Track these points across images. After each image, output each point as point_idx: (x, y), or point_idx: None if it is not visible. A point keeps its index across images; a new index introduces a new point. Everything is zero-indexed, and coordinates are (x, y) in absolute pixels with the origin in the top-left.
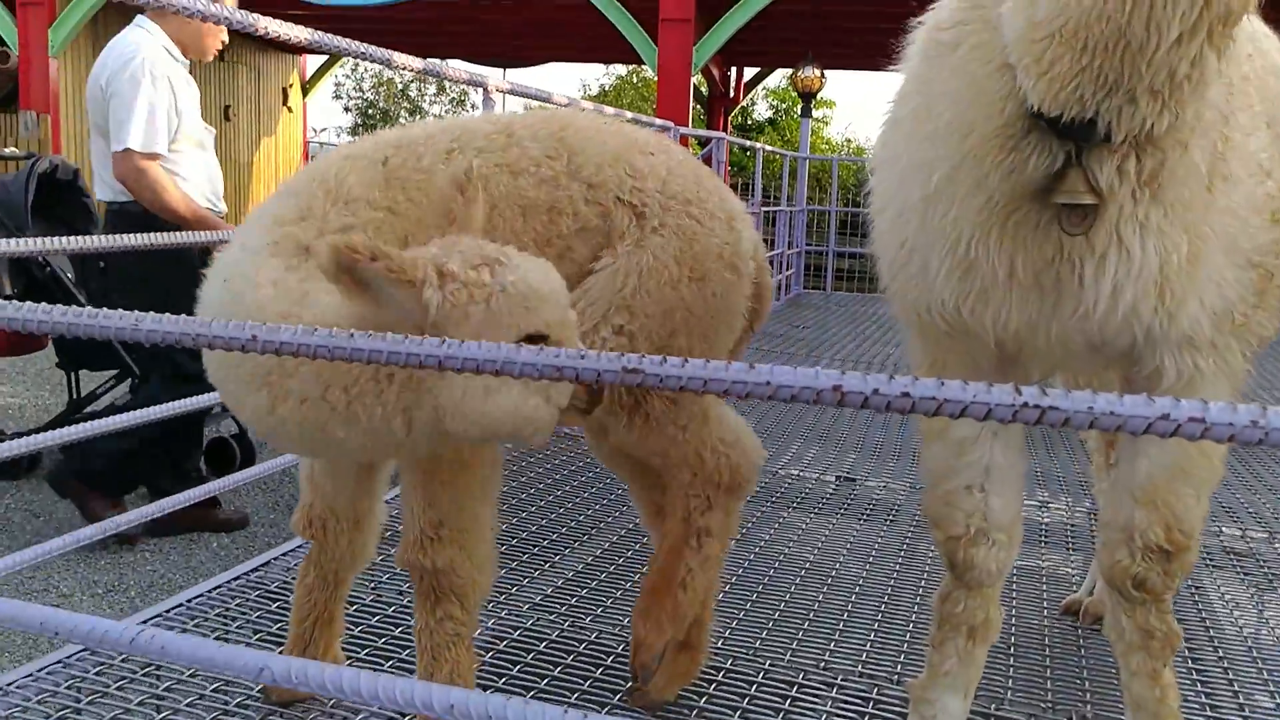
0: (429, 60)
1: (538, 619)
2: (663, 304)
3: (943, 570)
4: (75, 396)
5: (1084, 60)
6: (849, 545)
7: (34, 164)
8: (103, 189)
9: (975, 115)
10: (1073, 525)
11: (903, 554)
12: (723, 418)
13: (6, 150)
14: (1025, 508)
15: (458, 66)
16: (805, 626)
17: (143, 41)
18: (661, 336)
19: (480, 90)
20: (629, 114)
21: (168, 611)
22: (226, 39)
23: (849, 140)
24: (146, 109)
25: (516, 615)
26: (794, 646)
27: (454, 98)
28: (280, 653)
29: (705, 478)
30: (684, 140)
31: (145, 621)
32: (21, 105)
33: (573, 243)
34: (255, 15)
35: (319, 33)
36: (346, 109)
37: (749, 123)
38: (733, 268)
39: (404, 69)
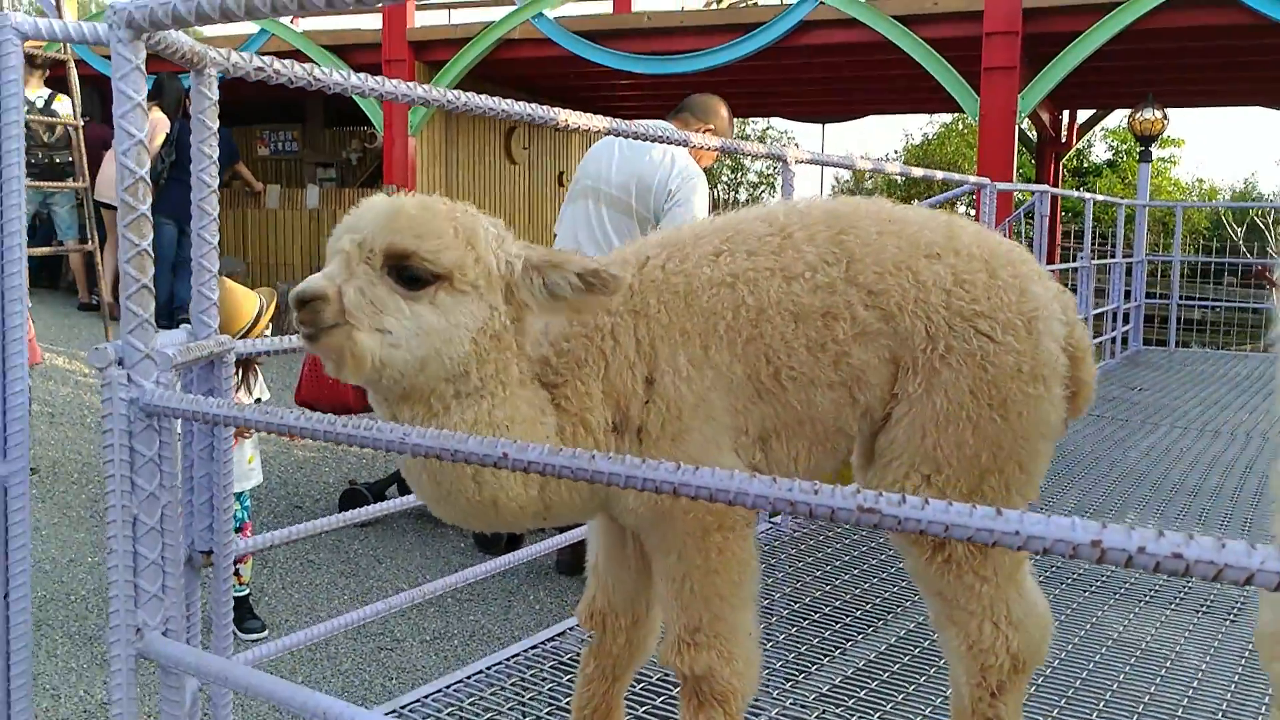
0: (764, 139)
1: (823, 711)
2: (965, 448)
3: None
4: None
5: None
6: (1182, 642)
7: None
8: None
9: None
10: None
11: (1246, 655)
12: (1023, 583)
13: None
14: None
15: (780, 126)
16: None
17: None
18: (972, 481)
19: (780, 162)
20: (940, 174)
21: (469, 677)
22: None
23: (1200, 181)
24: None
25: (802, 706)
26: None
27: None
28: None
29: (979, 656)
30: (1005, 197)
31: (451, 685)
32: (384, 180)
33: (850, 348)
34: (556, 110)
35: (620, 121)
36: None
37: (1085, 166)
38: (1036, 379)
39: (703, 147)
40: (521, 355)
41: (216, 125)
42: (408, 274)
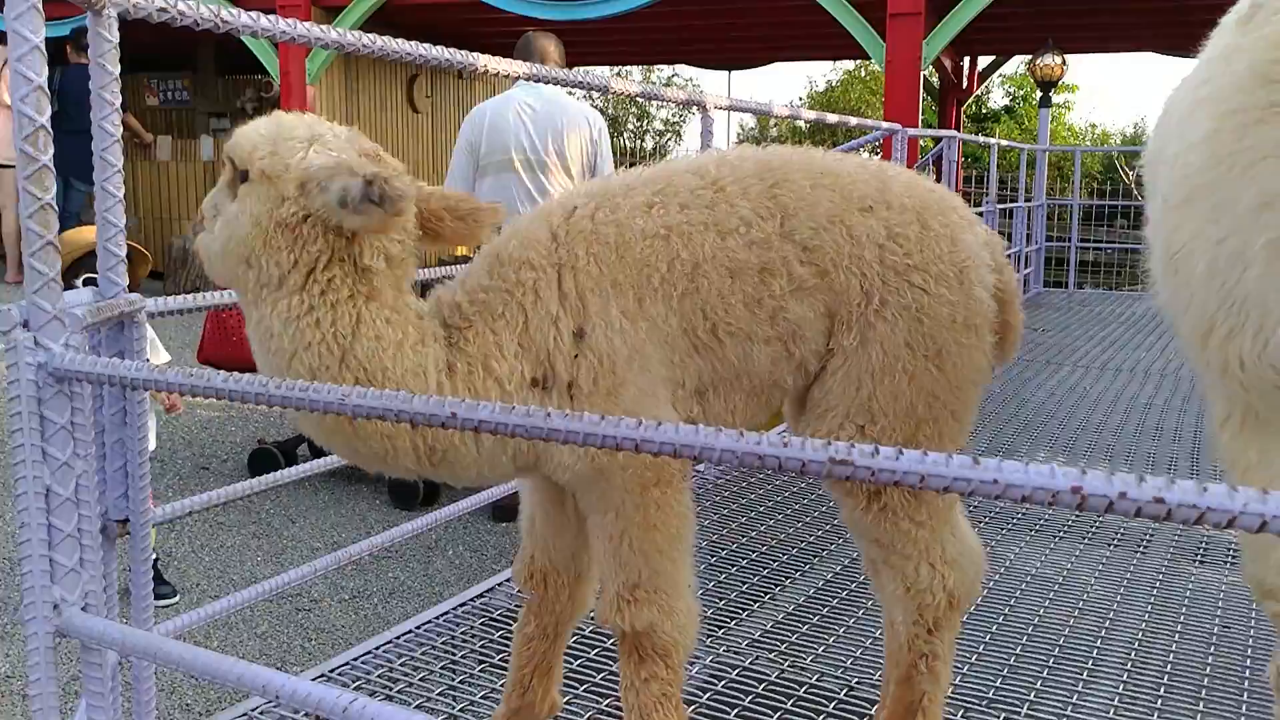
0: (647, 84)
1: (756, 657)
2: (901, 399)
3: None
4: None
5: None
6: (1096, 574)
7: None
8: None
9: None
10: None
11: (1158, 586)
12: (957, 522)
13: None
14: None
15: (685, 74)
16: (1044, 674)
17: None
18: (907, 431)
19: (699, 109)
20: (854, 120)
21: (398, 638)
22: None
23: (1093, 126)
24: None
25: (734, 653)
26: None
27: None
28: (503, 693)
29: (915, 596)
30: (913, 143)
31: (380, 647)
32: None
33: (787, 303)
34: (475, 55)
35: (537, 66)
36: None
37: (984, 112)
38: (969, 328)
39: (622, 94)
40: (361, 270)
41: (118, 70)
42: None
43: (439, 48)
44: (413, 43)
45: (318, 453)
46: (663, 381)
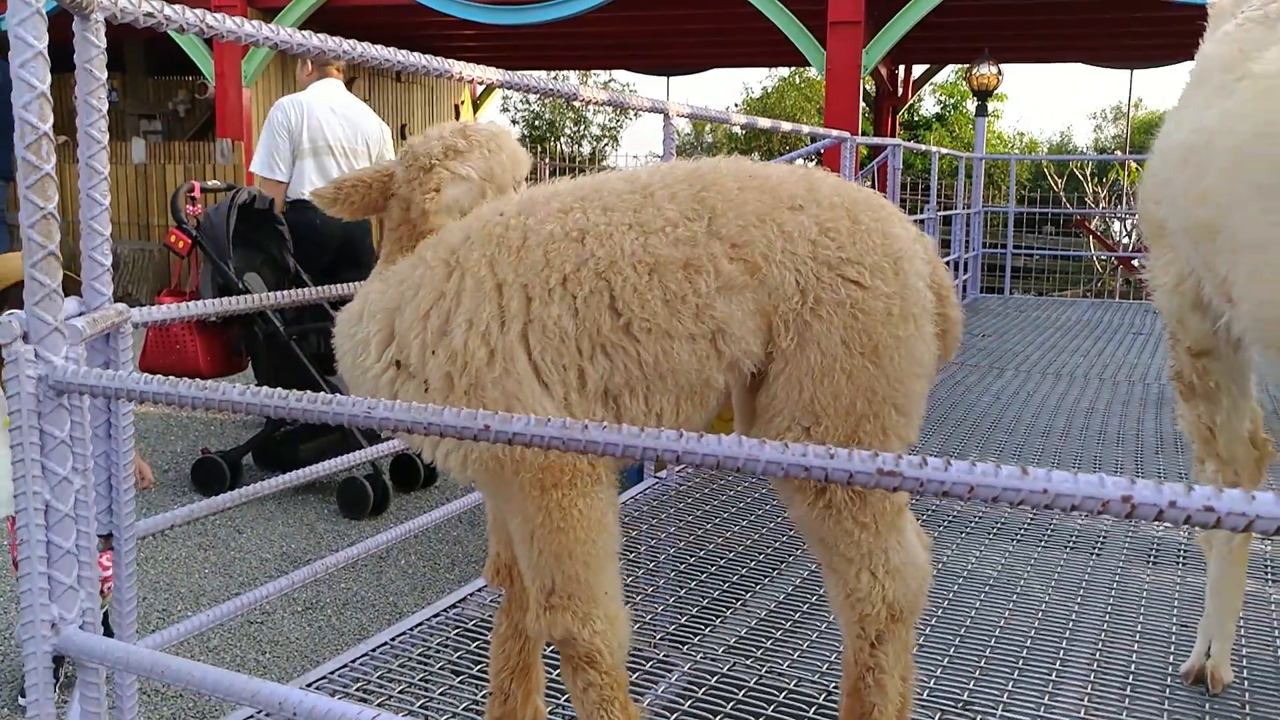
0: (608, 90)
1: (733, 664)
2: (842, 398)
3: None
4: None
5: None
6: (1056, 577)
7: (234, 195)
8: None
9: None
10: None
11: (1115, 588)
12: (904, 531)
13: (210, 183)
14: None
15: (622, 79)
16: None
17: None
18: (848, 428)
19: (662, 115)
20: (805, 128)
21: (374, 650)
22: None
23: (1021, 134)
24: None
25: (711, 660)
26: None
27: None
28: (483, 705)
29: (856, 605)
30: (857, 150)
31: (355, 660)
32: (218, 134)
33: (714, 301)
34: (450, 61)
35: (510, 73)
36: (514, 121)
37: (916, 120)
38: (906, 319)
39: (590, 102)
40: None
41: (105, 75)
42: None
43: (381, 47)
44: (353, 42)
45: (264, 462)
46: (542, 385)
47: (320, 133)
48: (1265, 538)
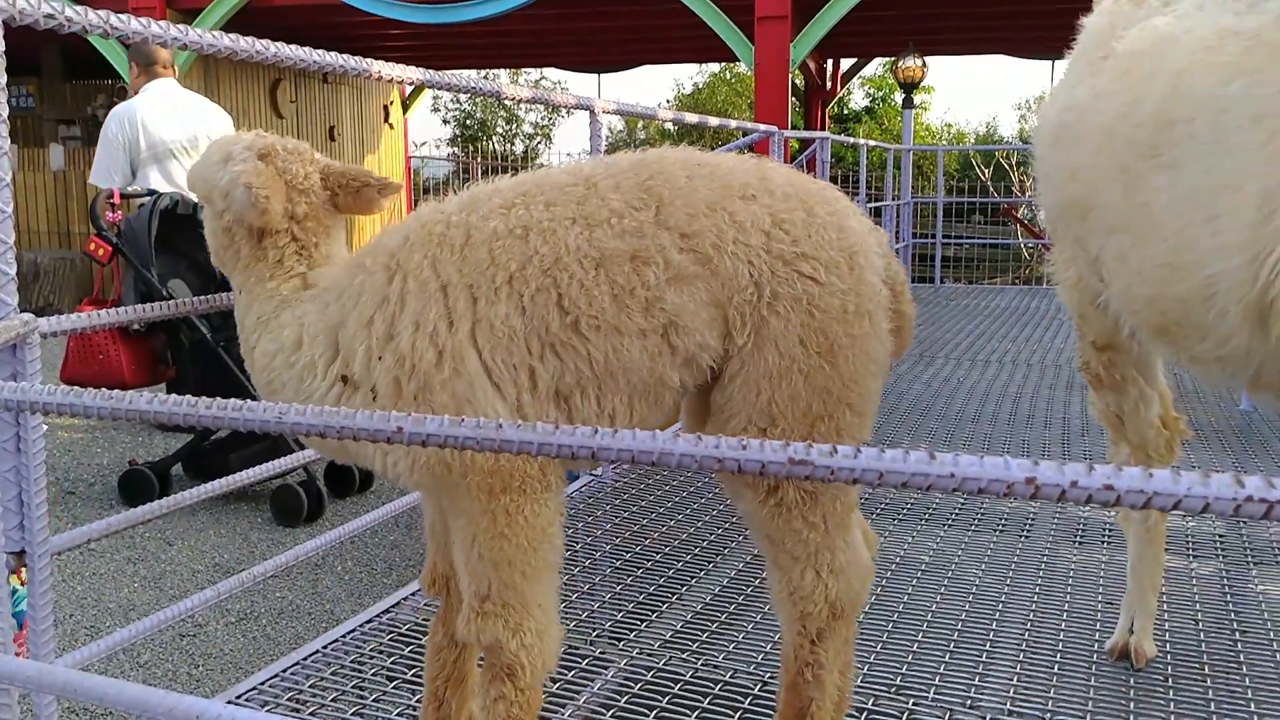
0: (538, 88)
1: (669, 658)
2: (799, 400)
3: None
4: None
5: None
6: (985, 560)
7: (156, 201)
8: None
9: None
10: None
11: (1042, 569)
12: (851, 531)
13: (131, 189)
14: None
15: (552, 76)
16: (947, 659)
17: None
18: (804, 429)
19: (588, 112)
20: (734, 122)
21: (305, 659)
22: None
23: (949, 125)
24: None
25: (648, 655)
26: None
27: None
28: (419, 707)
29: (798, 602)
30: (787, 144)
31: (287, 669)
32: None
33: (664, 293)
34: (369, 61)
35: (431, 72)
36: (445, 121)
37: (845, 113)
38: (862, 316)
39: (514, 100)
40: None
41: (3, 80)
42: None
43: (298, 47)
44: (267, 42)
45: (194, 473)
46: (493, 385)
47: (158, 138)
48: (1165, 513)
